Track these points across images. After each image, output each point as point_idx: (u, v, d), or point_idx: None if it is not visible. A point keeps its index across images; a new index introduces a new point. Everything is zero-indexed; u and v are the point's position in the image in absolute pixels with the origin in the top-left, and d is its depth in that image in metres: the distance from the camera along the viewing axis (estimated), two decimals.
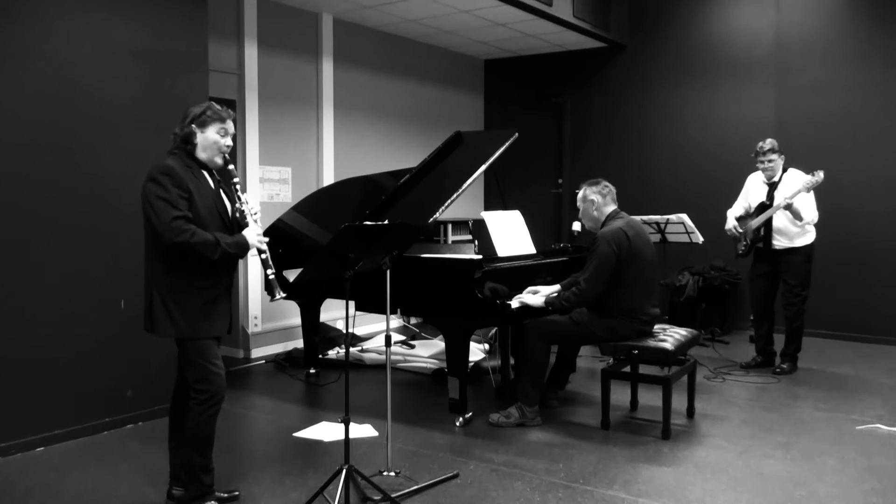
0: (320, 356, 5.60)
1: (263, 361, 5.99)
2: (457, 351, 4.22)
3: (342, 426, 3.13)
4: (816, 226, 5.41)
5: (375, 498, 3.14)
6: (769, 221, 5.39)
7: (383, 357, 5.18)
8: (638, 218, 4.52)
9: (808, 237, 5.39)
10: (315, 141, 6.75)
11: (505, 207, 4.81)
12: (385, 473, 3.39)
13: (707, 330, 6.59)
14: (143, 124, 4.26)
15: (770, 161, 5.39)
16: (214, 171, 3.10)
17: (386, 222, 3.20)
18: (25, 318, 3.83)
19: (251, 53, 6.06)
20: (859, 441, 4.01)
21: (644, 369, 4.47)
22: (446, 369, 4.34)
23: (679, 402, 4.32)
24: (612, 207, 4.26)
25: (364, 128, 7.25)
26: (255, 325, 6.17)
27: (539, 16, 6.73)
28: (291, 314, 6.29)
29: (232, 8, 5.99)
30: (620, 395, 4.56)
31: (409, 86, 7.78)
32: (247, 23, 6.03)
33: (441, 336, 5.78)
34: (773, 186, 5.43)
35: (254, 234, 3.04)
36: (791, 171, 5.44)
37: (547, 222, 8.34)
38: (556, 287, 4.24)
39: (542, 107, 8.55)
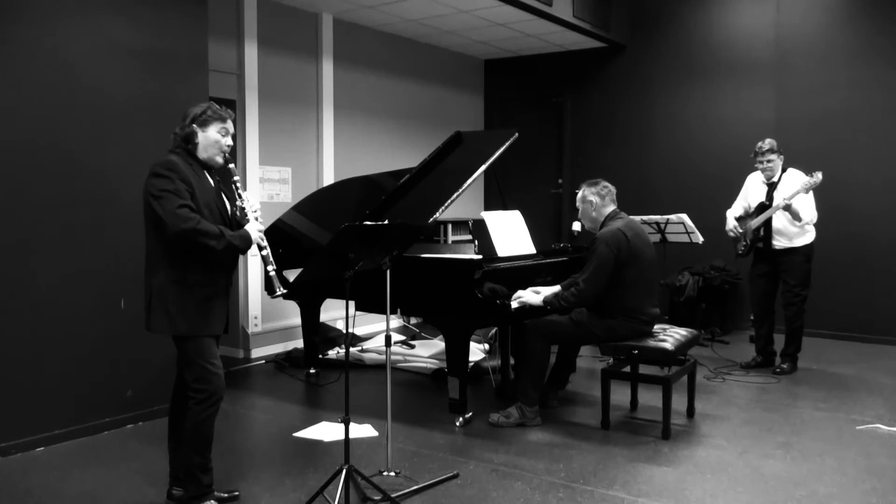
0: (320, 356, 5.60)
1: (263, 361, 5.99)
2: (457, 351, 4.22)
3: (342, 426, 3.13)
4: (816, 225, 5.41)
5: (375, 498, 3.14)
6: (769, 222, 5.39)
7: (383, 357, 5.18)
8: (638, 218, 4.52)
9: (807, 237, 5.39)
10: (315, 141, 6.76)
11: (505, 207, 4.81)
12: (385, 473, 3.39)
13: (707, 330, 6.59)
14: (143, 124, 4.26)
15: (769, 161, 5.39)
16: (214, 171, 3.11)
17: (386, 222, 3.20)
18: (25, 318, 3.83)
19: (251, 53, 6.06)
20: (859, 441, 4.00)
21: (644, 369, 4.46)
22: (446, 369, 4.34)
23: (679, 402, 4.31)
24: (611, 208, 4.26)
25: (364, 128, 7.25)
26: (255, 325, 6.17)
27: (539, 16, 6.73)
28: (291, 314, 6.29)
29: (232, 8, 5.99)
30: (620, 395, 4.56)
31: (409, 86, 7.78)
32: (247, 23, 6.03)
33: (441, 336, 5.78)
34: (772, 187, 5.43)
35: (255, 230, 3.05)
36: (790, 171, 5.44)
37: (547, 222, 8.34)
38: (557, 288, 4.24)
39: (542, 107, 8.55)
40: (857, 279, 6.68)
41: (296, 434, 4.12)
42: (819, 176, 5.14)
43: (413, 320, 7.15)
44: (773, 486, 3.38)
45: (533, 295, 4.17)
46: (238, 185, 3.10)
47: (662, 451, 3.85)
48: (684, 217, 5.65)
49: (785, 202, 5.19)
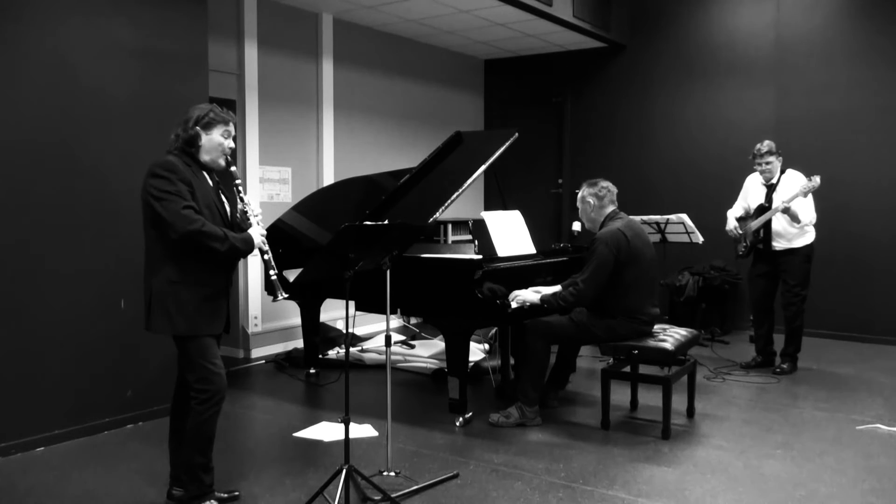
0: (320, 356, 5.60)
1: (263, 361, 5.99)
2: (457, 351, 4.22)
3: (342, 426, 3.13)
4: (816, 226, 5.42)
5: (375, 498, 3.14)
6: (768, 224, 5.39)
7: (383, 357, 5.18)
8: (638, 218, 4.52)
9: (807, 237, 5.39)
10: (315, 141, 6.76)
11: (505, 207, 4.81)
12: (385, 473, 3.39)
13: (707, 330, 6.59)
14: (143, 124, 4.26)
15: (768, 163, 5.39)
16: (214, 172, 3.11)
17: (386, 222, 3.20)
18: (25, 318, 3.83)
19: (251, 53, 6.06)
20: (859, 441, 4.01)
21: (644, 369, 4.46)
22: (446, 369, 4.34)
23: (679, 402, 4.32)
24: (610, 208, 4.26)
25: (364, 128, 7.25)
26: (255, 325, 6.17)
27: (539, 16, 6.73)
28: (291, 314, 6.29)
29: (232, 8, 5.99)
30: (620, 395, 4.56)
31: (409, 86, 7.78)
32: (247, 23, 6.03)
33: (441, 336, 5.78)
34: (771, 188, 5.43)
35: (258, 234, 3.05)
36: (789, 171, 5.45)
37: (547, 222, 8.34)
38: (557, 288, 4.24)
39: (542, 107, 8.55)
40: (856, 279, 6.68)
41: (296, 434, 4.12)
42: (817, 180, 5.16)
43: (413, 320, 7.15)
44: (773, 486, 3.38)
45: (532, 294, 4.17)
46: (240, 188, 3.10)
47: (662, 451, 3.85)
48: (684, 217, 5.65)
49: (784, 205, 5.20)
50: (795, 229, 5.32)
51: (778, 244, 5.42)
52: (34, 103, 3.86)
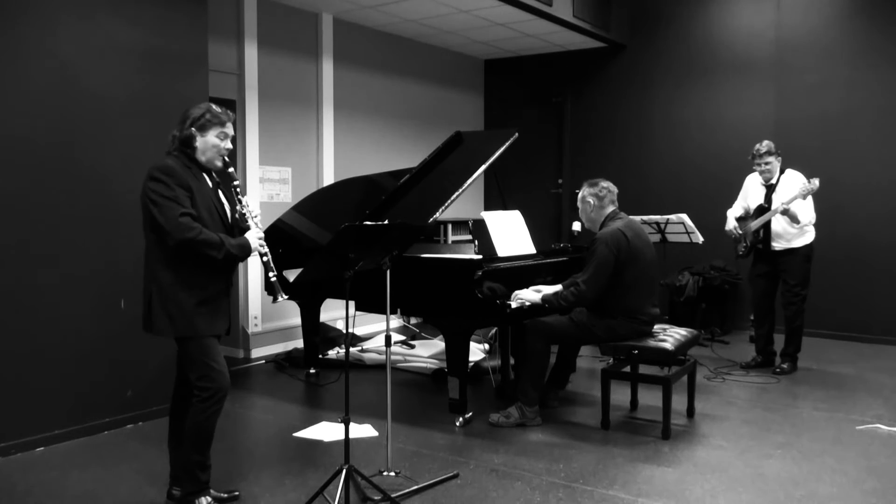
0: (320, 356, 5.60)
1: (263, 361, 5.99)
2: (457, 351, 4.22)
3: (342, 426, 3.13)
4: (816, 226, 5.42)
5: (375, 498, 3.14)
6: (768, 224, 5.39)
7: (383, 357, 5.18)
8: (638, 218, 4.52)
9: (807, 237, 5.39)
10: (315, 141, 6.76)
11: (505, 207, 4.81)
12: (385, 473, 3.39)
13: (707, 330, 6.59)
14: (143, 124, 4.26)
15: (767, 164, 5.39)
16: (214, 173, 3.11)
17: (386, 222, 3.20)
18: (25, 318, 3.83)
19: (251, 53, 6.06)
20: (859, 441, 4.01)
21: (644, 369, 4.46)
22: (446, 369, 4.34)
23: (679, 402, 4.32)
24: (610, 208, 4.26)
25: (364, 128, 7.25)
26: (255, 325, 6.17)
27: (539, 16, 6.73)
28: (291, 314, 6.29)
29: (232, 8, 5.99)
30: (620, 395, 4.56)
31: (409, 86, 7.78)
32: (247, 23, 6.03)
33: (441, 336, 5.78)
34: (770, 188, 5.43)
35: (255, 237, 3.05)
36: (789, 172, 5.45)
37: (547, 222, 8.34)
38: (558, 287, 4.24)
39: (542, 107, 8.55)
40: (856, 279, 6.68)
41: (296, 434, 4.12)
42: (816, 182, 5.17)
43: (413, 320, 7.15)
44: (773, 486, 3.38)
45: (532, 293, 4.17)
46: (238, 189, 3.10)
47: (662, 451, 3.85)
48: (684, 217, 5.65)
49: (783, 207, 5.20)
50: (795, 229, 5.33)
51: (777, 244, 5.42)
52: (34, 103, 3.85)
